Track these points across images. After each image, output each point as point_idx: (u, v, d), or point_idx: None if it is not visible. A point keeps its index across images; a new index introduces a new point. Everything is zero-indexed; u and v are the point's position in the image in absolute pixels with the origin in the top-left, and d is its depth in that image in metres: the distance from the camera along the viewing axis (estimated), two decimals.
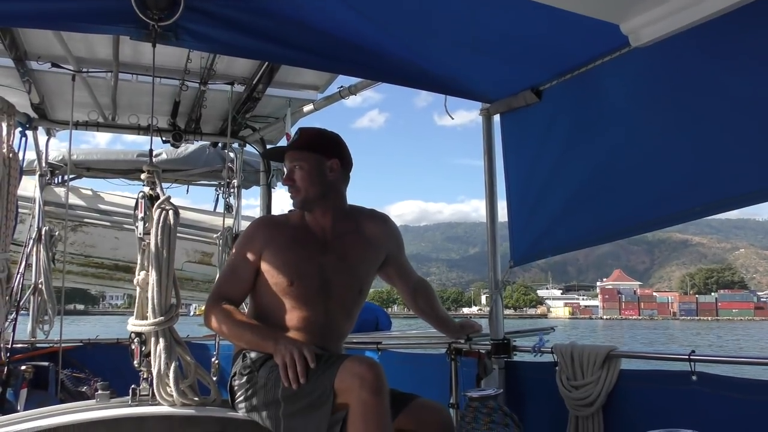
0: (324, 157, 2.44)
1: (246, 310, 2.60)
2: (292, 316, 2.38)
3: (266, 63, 3.72)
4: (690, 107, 2.43)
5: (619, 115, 2.74)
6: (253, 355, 2.33)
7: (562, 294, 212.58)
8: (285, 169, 2.50)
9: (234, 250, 2.52)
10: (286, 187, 2.47)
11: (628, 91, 2.69)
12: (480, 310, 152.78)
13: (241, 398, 2.29)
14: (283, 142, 4.80)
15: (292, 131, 4.23)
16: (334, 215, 2.48)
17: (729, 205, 2.39)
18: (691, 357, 2.43)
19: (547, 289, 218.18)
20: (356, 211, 2.59)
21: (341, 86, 4.05)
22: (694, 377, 2.42)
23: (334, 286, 2.43)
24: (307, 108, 4.38)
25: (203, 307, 2.55)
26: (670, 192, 2.53)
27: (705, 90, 2.37)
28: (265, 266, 2.41)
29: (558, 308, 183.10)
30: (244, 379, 2.31)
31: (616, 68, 2.64)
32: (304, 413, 2.11)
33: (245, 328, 2.33)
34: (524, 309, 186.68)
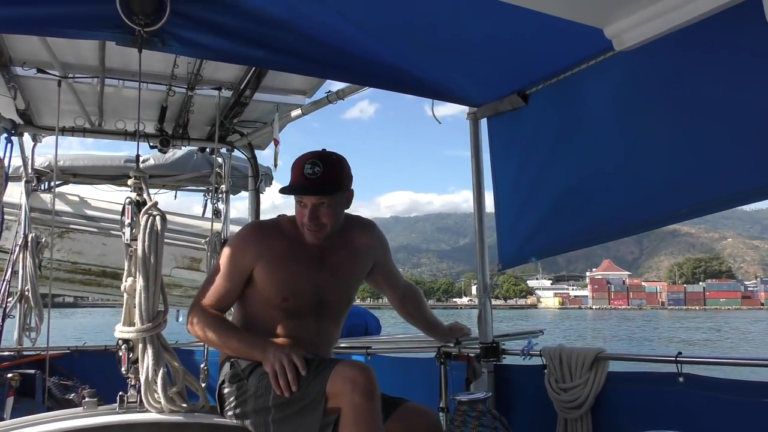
0: (345, 190, 2.40)
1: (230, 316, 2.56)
2: (283, 327, 2.38)
3: (253, 68, 3.70)
4: (674, 110, 2.44)
5: (605, 118, 2.74)
6: (241, 362, 2.32)
7: (552, 284, 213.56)
8: (298, 201, 2.35)
9: (222, 257, 2.44)
10: (306, 225, 2.33)
11: (613, 94, 2.70)
12: (470, 300, 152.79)
13: (231, 406, 2.29)
14: (271, 148, 4.76)
15: (280, 136, 4.22)
16: (332, 234, 2.41)
17: (715, 206, 2.40)
18: (678, 358, 2.44)
19: (537, 279, 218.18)
20: (346, 223, 2.52)
21: (329, 91, 4.02)
22: (680, 378, 2.44)
23: (327, 302, 2.43)
24: (294, 113, 4.35)
25: None
26: (657, 194, 2.54)
27: (689, 92, 2.38)
28: (257, 279, 2.37)
29: (548, 298, 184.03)
30: (234, 386, 2.30)
31: (600, 72, 2.65)
32: (295, 418, 2.12)
33: (232, 336, 2.32)
34: (514, 299, 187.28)
